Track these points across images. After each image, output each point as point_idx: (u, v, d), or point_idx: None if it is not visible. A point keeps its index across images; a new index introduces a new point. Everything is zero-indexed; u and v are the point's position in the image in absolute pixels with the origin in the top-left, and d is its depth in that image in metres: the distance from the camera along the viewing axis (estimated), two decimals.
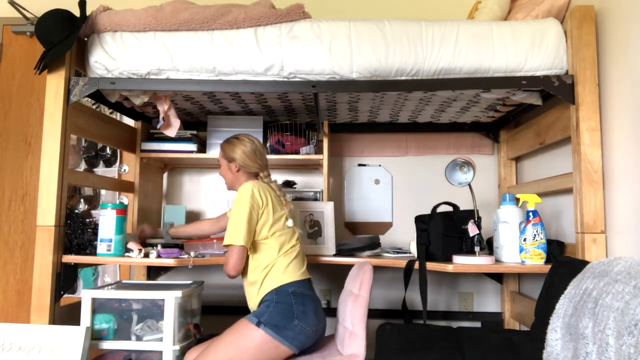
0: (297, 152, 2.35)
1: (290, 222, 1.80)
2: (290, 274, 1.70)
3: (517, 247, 1.81)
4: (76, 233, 1.90)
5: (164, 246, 2.16)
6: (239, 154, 1.83)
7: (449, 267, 1.75)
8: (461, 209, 2.03)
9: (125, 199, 2.64)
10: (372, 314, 2.50)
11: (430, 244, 1.89)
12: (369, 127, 2.62)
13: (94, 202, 2.69)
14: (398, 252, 2.21)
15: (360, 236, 2.26)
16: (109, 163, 2.70)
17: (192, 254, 1.98)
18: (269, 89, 1.83)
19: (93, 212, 2.67)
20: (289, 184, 2.50)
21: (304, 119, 2.53)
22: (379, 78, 1.80)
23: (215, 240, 2.12)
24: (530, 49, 1.76)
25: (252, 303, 1.76)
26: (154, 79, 1.83)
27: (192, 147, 2.30)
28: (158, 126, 2.11)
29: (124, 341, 1.77)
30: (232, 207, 1.74)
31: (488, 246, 2.23)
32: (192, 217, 2.65)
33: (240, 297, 2.61)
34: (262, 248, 1.73)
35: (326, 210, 2.19)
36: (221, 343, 1.60)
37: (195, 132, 2.35)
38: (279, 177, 2.67)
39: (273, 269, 1.71)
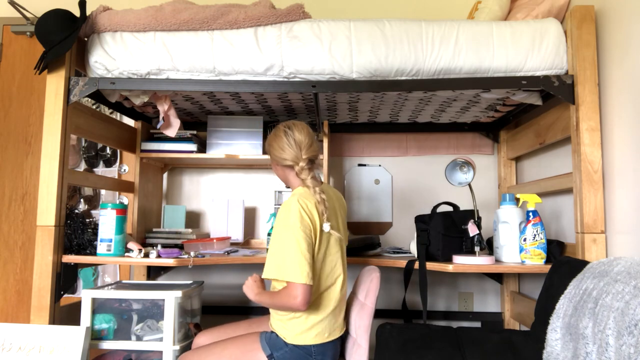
0: None
1: (326, 227, 1.52)
2: (320, 336, 1.52)
3: (517, 247, 1.81)
4: (76, 233, 1.90)
5: (164, 246, 2.17)
6: (272, 145, 1.64)
7: (449, 267, 1.75)
8: (461, 209, 2.03)
9: (125, 199, 2.64)
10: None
11: (430, 244, 1.89)
12: (369, 127, 2.62)
13: (94, 202, 2.70)
14: (398, 252, 2.22)
15: (360, 236, 2.27)
16: (109, 163, 2.70)
17: (192, 254, 1.98)
18: (269, 89, 1.83)
19: (93, 212, 2.67)
20: None
21: (304, 119, 2.53)
22: (379, 78, 1.80)
23: (215, 240, 2.12)
24: (530, 49, 1.76)
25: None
26: (154, 79, 1.82)
27: (192, 147, 2.30)
28: (158, 126, 2.11)
29: (124, 341, 1.77)
30: (276, 228, 1.51)
31: (488, 246, 2.23)
32: (192, 217, 2.66)
33: (240, 297, 2.61)
34: None
35: None
36: (226, 352, 1.55)
37: (195, 132, 2.35)
38: None
39: (302, 319, 1.52)
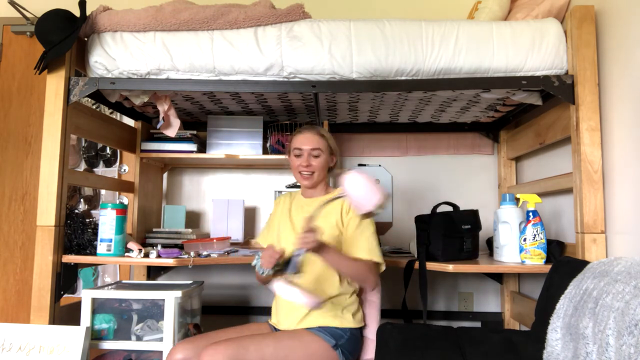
0: None
1: None
2: (363, 318, 1.72)
3: (517, 247, 1.81)
4: (76, 233, 1.90)
5: (164, 246, 2.17)
6: (335, 146, 1.82)
7: (449, 267, 1.75)
8: (461, 209, 2.03)
9: (125, 199, 2.64)
10: None
11: (430, 244, 1.89)
12: (369, 127, 2.62)
13: (94, 202, 2.69)
14: (398, 252, 2.21)
15: None
16: (109, 163, 2.70)
17: (192, 254, 1.97)
18: (269, 89, 1.83)
19: (93, 212, 2.67)
20: (295, 185, 2.50)
21: (304, 119, 2.53)
22: (379, 78, 1.80)
23: (215, 240, 2.12)
24: (530, 49, 1.76)
25: (299, 313, 1.62)
26: (154, 79, 1.82)
27: (192, 147, 2.30)
28: (158, 126, 2.11)
29: (124, 341, 1.77)
30: (353, 218, 1.67)
31: (488, 246, 2.23)
32: (192, 217, 2.66)
33: (240, 297, 2.61)
34: None
35: None
36: (282, 344, 1.50)
37: (195, 132, 2.35)
38: (279, 177, 2.67)
39: (353, 302, 1.68)
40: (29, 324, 1.69)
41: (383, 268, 1.67)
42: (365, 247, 1.63)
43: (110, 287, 1.90)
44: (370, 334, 1.71)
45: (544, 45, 1.76)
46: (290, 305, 1.62)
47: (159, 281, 2.51)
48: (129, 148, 2.35)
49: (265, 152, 2.40)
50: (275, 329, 1.67)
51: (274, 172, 2.68)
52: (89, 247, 1.91)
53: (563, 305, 1.34)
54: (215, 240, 2.12)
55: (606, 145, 1.67)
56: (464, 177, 2.64)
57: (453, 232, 1.89)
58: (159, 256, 1.87)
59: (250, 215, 2.66)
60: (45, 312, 1.74)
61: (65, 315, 1.88)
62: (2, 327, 1.68)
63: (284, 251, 1.54)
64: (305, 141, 1.72)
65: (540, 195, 2.13)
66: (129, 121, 2.56)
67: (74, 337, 1.66)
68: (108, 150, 2.70)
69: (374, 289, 1.68)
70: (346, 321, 1.62)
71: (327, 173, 1.81)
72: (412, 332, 1.61)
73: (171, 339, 1.73)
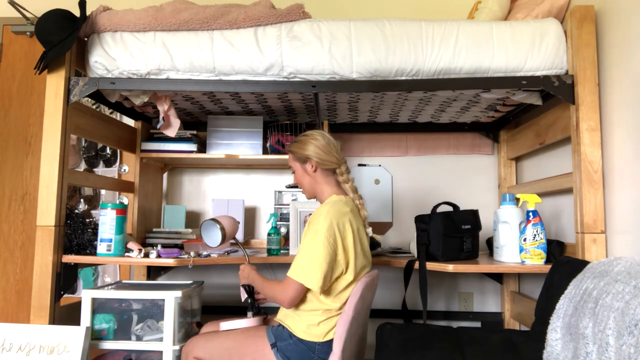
0: None
1: (369, 230, 1.71)
2: (331, 333, 1.54)
3: (517, 247, 1.81)
4: (76, 233, 1.90)
5: (164, 246, 2.17)
6: (312, 149, 1.65)
7: (449, 267, 1.75)
8: (461, 209, 2.03)
9: (125, 199, 2.64)
10: (372, 313, 2.50)
11: (430, 244, 1.89)
12: (369, 127, 2.62)
13: (94, 202, 2.69)
14: (398, 252, 2.21)
15: None
16: (109, 163, 2.70)
17: (192, 254, 1.97)
18: (269, 89, 1.83)
19: (93, 212, 2.67)
20: (293, 186, 2.50)
21: (304, 119, 2.53)
22: (379, 78, 1.80)
23: None
24: (530, 48, 1.76)
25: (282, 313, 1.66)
26: (154, 79, 1.82)
27: (192, 147, 2.30)
28: (158, 126, 2.11)
29: (124, 341, 1.77)
30: (308, 232, 1.55)
31: (488, 246, 2.23)
32: (192, 217, 2.66)
33: (240, 296, 2.61)
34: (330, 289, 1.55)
35: None
36: (231, 336, 1.60)
37: (195, 132, 2.35)
38: (279, 178, 2.67)
39: (317, 313, 1.55)
40: (29, 324, 1.69)
41: (314, 289, 1.49)
42: (295, 264, 1.53)
43: (110, 287, 1.90)
44: (335, 347, 1.50)
45: (544, 45, 1.76)
46: None
47: (159, 281, 2.51)
48: (129, 148, 2.35)
49: (265, 152, 2.40)
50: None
51: (273, 172, 2.68)
52: (89, 247, 1.91)
53: (563, 305, 1.34)
54: None
55: (606, 145, 1.67)
56: (464, 177, 2.64)
57: (453, 232, 1.90)
58: (159, 256, 1.87)
59: (250, 215, 2.66)
60: (45, 312, 1.74)
61: (65, 315, 1.88)
62: (2, 327, 1.68)
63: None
64: None
65: (540, 195, 2.13)
66: (129, 121, 2.56)
67: (74, 337, 1.66)
68: (108, 150, 2.70)
69: (288, 307, 1.54)
70: (298, 328, 1.55)
71: (326, 176, 1.68)
72: (412, 332, 1.61)
73: (171, 339, 1.73)
